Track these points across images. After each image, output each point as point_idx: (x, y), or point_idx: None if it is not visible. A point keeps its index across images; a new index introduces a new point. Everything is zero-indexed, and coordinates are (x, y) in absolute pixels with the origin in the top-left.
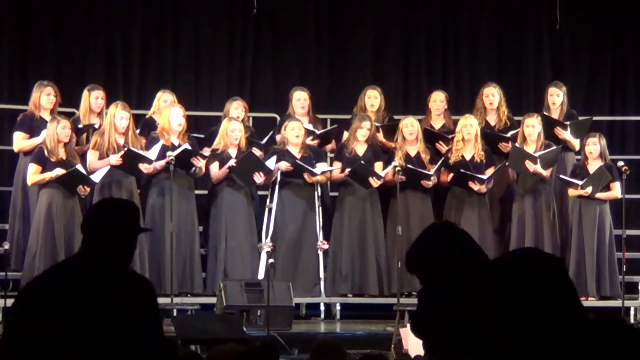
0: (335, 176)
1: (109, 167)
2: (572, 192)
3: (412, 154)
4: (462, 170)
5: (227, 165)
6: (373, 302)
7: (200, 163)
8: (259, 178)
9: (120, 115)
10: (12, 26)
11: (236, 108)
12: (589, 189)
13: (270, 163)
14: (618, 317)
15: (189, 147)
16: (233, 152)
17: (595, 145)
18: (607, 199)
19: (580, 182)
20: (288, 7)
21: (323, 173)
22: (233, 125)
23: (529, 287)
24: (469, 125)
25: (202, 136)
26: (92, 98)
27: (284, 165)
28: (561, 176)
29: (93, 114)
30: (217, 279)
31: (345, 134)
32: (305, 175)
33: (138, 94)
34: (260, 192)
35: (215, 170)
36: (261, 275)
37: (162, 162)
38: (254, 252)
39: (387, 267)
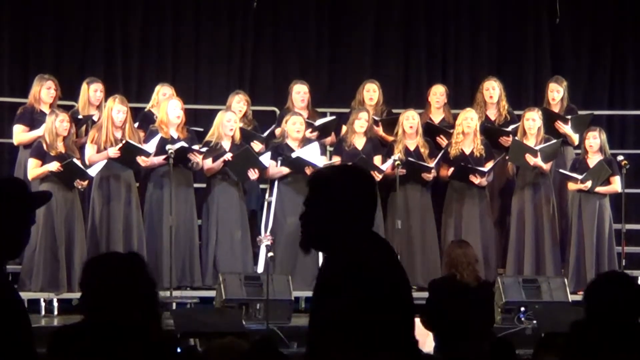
0: None
1: (106, 161)
2: (571, 186)
3: (412, 147)
4: (462, 164)
5: (222, 159)
6: None
7: (197, 158)
8: (253, 174)
9: (117, 109)
10: (12, 19)
11: (238, 102)
12: (589, 183)
13: (265, 159)
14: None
15: (186, 145)
16: (226, 144)
17: (595, 139)
18: (607, 193)
19: (580, 177)
20: (288, 1)
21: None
22: (229, 115)
23: None
24: (469, 119)
25: (202, 130)
26: (91, 91)
27: (285, 170)
28: (561, 170)
29: (92, 106)
30: (208, 272)
31: (344, 129)
32: (307, 170)
33: (138, 87)
34: (260, 186)
35: (209, 163)
36: (260, 268)
37: (161, 158)
38: (245, 246)
39: None
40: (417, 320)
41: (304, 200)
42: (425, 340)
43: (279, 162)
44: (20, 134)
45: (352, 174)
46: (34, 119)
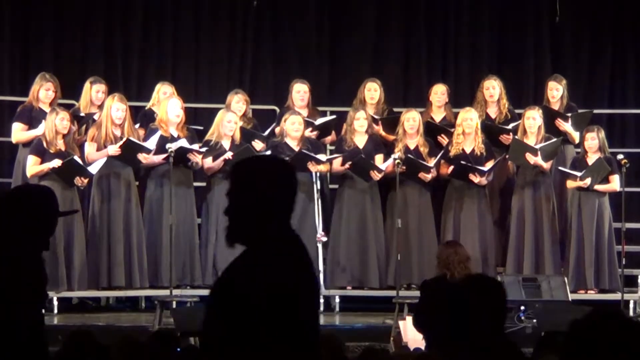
0: (336, 169)
1: (106, 159)
2: (570, 183)
3: (412, 146)
4: (462, 162)
5: (222, 158)
6: (372, 294)
7: (197, 158)
8: None
9: (116, 107)
10: (12, 17)
11: (237, 102)
12: (588, 180)
13: None
14: (617, 310)
15: (185, 144)
16: (226, 143)
17: (594, 140)
18: (606, 191)
19: (579, 174)
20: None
21: (328, 160)
22: (229, 116)
23: None
24: (469, 119)
25: (202, 128)
26: (94, 91)
27: None
28: (560, 167)
29: (93, 106)
30: (207, 271)
31: (344, 128)
32: (310, 165)
33: (138, 86)
34: None
35: (209, 162)
36: None
37: (161, 157)
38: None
39: (387, 260)
40: (410, 319)
41: (226, 192)
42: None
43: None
44: (18, 132)
45: (274, 164)
46: (32, 117)
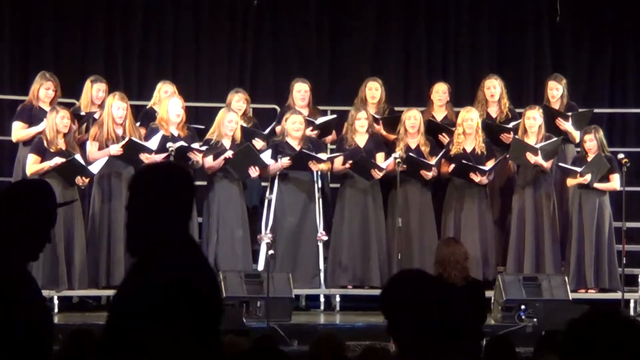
0: (337, 168)
1: (107, 158)
2: (570, 181)
3: (413, 146)
4: (463, 161)
5: (223, 157)
6: (373, 293)
7: (197, 157)
8: (254, 172)
9: (117, 105)
10: (12, 17)
11: (238, 101)
12: (588, 177)
13: (266, 157)
14: (615, 308)
15: (185, 144)
16: (227, 142)
17: (592, 142)
18: (606, 189)
19: (579, 169)
20: None
21: (329, 159)
22: (230, 116)
23: None
24: (470, 119)
25: (203, 127)
26: (94, 90)
27: (285, 161)
28: (560, 164)
29: (94, 105)
30: None
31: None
32: (311, 164)
33: (138, 85)
34: (261, 183)
35: (210, 161)
36: (261, 266)
37: (162, 156)
38: (246, 244)
39: (388, 259)
40: None
41: (126, 205)
42: None
43: (280, 158)
44: (19, 130)
45: (169, 172)
46: (32, 116)
